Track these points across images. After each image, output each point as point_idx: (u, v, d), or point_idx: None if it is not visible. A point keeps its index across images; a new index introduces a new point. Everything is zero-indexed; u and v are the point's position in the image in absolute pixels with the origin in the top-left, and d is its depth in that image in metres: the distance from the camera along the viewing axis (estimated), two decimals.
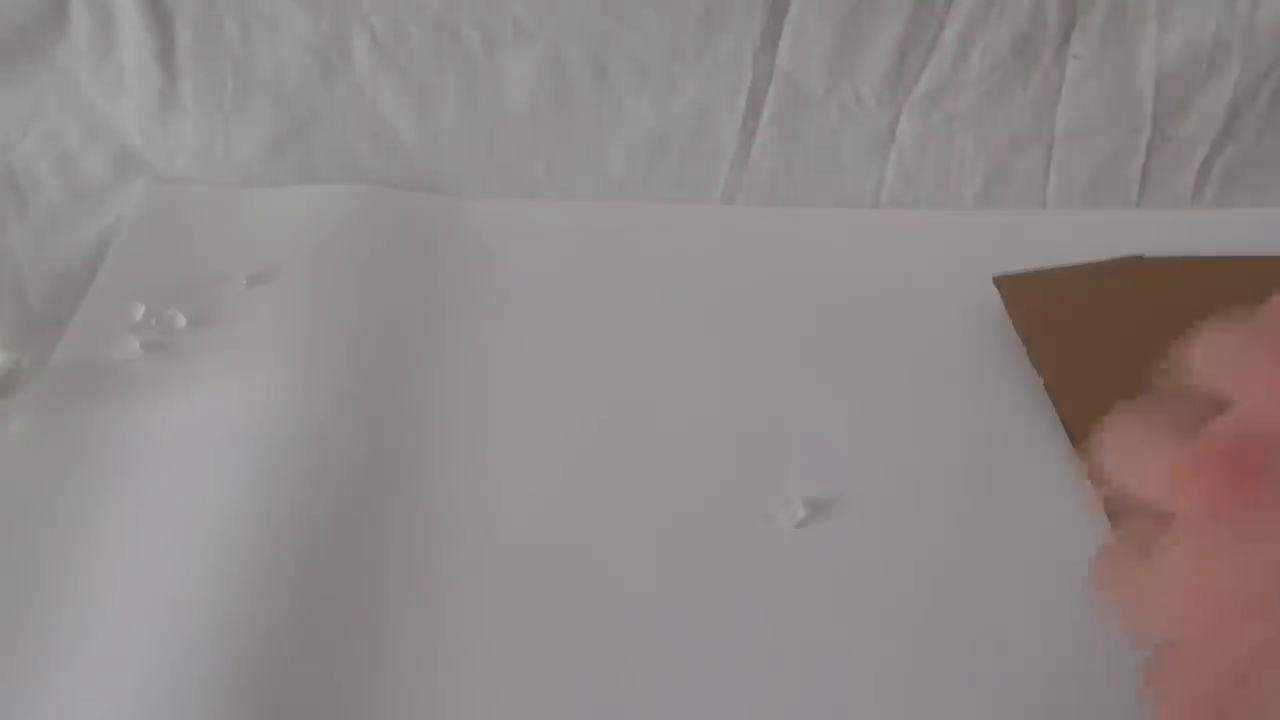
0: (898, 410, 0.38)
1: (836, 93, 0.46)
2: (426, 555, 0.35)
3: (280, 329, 0.41)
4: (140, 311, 0.41)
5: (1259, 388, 0.22)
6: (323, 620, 0.33)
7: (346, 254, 0.45)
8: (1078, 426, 0.38)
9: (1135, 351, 0.41)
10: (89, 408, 0.38)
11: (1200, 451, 0.22)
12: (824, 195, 0.48)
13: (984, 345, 0.41)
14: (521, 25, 0.45)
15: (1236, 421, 0.22)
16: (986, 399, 0.40)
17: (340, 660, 0.32)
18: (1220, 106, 0.46)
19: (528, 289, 0.44)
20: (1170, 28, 0.44)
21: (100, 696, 0.31)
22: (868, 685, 0.31)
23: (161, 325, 0.41)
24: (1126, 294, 0.43)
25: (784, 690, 0.31)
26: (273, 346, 0.41)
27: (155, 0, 0.45)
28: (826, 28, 0.45)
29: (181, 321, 0.41)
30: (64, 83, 0.46)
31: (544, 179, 0.48)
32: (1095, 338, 0.41)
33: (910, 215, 0.48)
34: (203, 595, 0.33)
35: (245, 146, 0.47)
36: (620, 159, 0.48)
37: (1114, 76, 0.45)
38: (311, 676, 0.31)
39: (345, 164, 0.48)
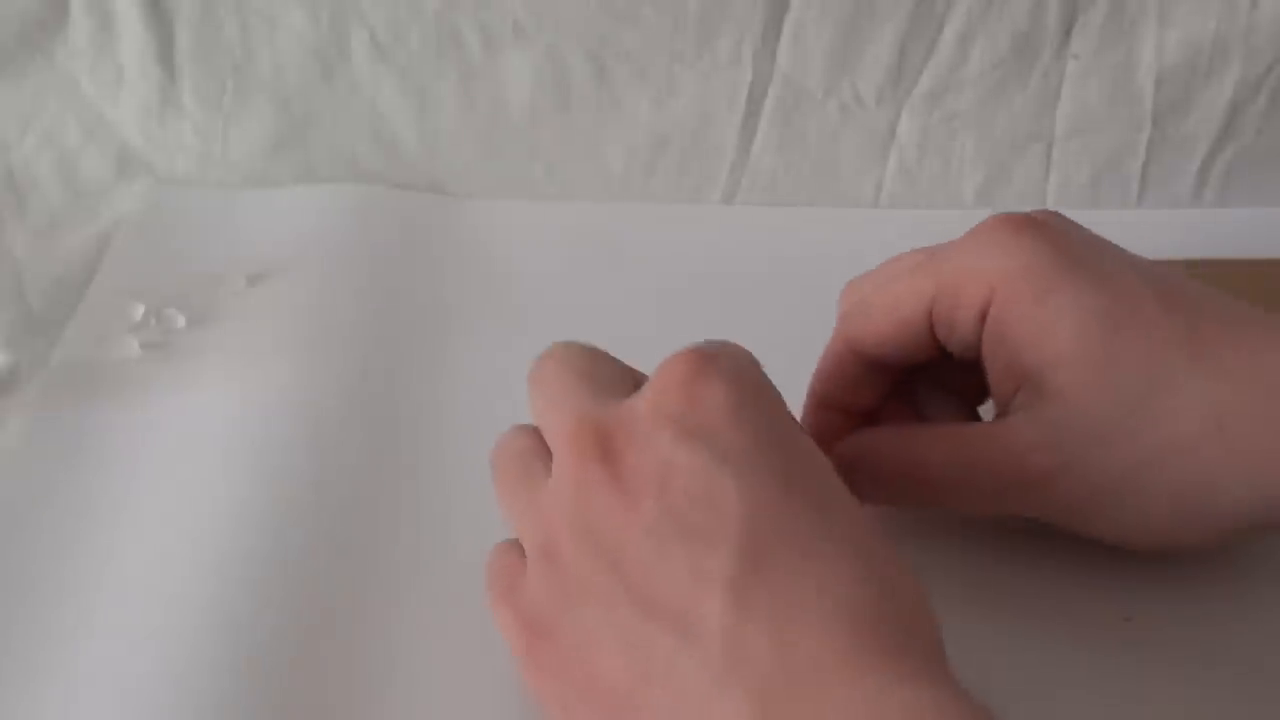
0: None
1: (836, 93, 0.46)
2: (427, 555, 0.35)
3: (280, 329, 0.41)
4: (139, 312, 0.41)
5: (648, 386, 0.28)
6: (323, 620, 0.33)
7: (346, 254, 0.45)
8: None
9: None
10: (88, 408, 0.38)
11: (581, 424, 0.27)
12: (824, 195, 0.48)
13: None
14: (521, 25, 0.45)
15: (618, 408, 0.27)
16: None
17: (340, 660, 0.32)
18: (1220, 106, 0.46)
19: (528, 289, 0.44)
20: (1170, 26, 0.44)
21: (100, 696, 0.31)
22: None
23: (161, 325, 0.41)
24: None
25: None
26: (272, 347, 0.41)
27: (155, 0, 0.45)
28: (826, 27, 0.45)
29: (181, 322, 0.41)
30: (64, 83, 0.46)
31: (544, 179, 0.48)
32: None
33: (910, 215, 0.48)
34: (202, 595, 0.33)
35: (245, 146, 0.47)
36: (620, 159, 0.48)
37: (1114, 76, 0.45)
38: (312, 676, 0.31)
39: (345, 164, 0.48)
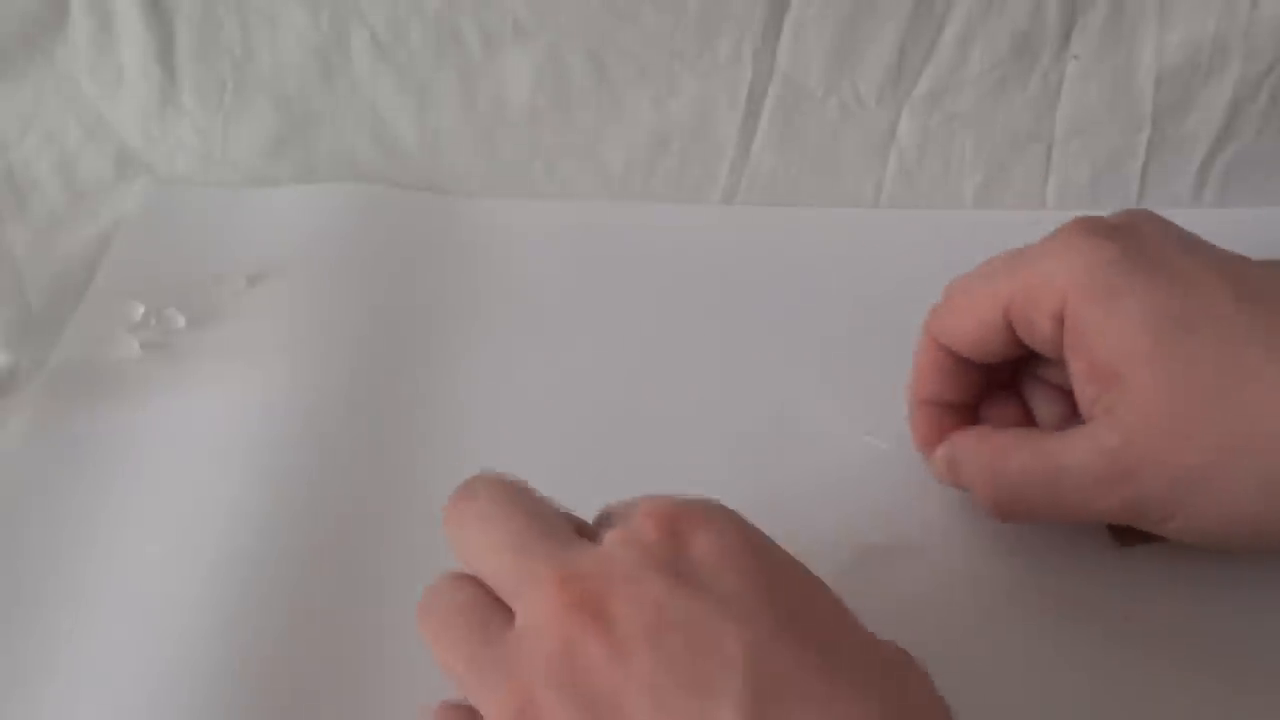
0: (898, 410, 0.38)
1: (836, 92, 0.46)
2: (427, 555, 0.35)
3: (280, 329, 0.41)
4: (139, 311, 0.41)
5: (620, 535, 0.26)
6: (322, 620, 0.33)
7: (346, 254, 0.45)
8: None
9: None
10: (88, 408, 0.38)
11: (560, 573, 0.25)
12: (824, 195, 0.48)
13: None
14: (522, 24, 0.45)
15: (595, 556, 0.26)
16: None
17: (340, 660, 0.32)
18: (1220, 106, 0.46)
19: (528, 289, 0.44)
20: (1170, 27, 0.44)
21: (100, 696, 0.31)
22: None
23: (161, 325, 0.41)
24: None
25: None
26: (272, 347, 0.41)
27: (155, 0, 0.45)
28: (826, 27, 0.45)
29: (181, 321, 0.41)
30: (64, 83, 0.46)
31: (544, 179, 0.48)
32: None
33: (910, 215, 0.48)
34: (203, 595, 0.33)
35: (245, 146, 0.47)
36: (620, 159, 0.47)
37: (1114, 76, 0.45)
38: (311, 676, 0.31)
39: (345, 164, 0.48)
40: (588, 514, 0.29)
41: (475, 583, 0.27)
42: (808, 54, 0.45)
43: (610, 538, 0.26)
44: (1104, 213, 0.37)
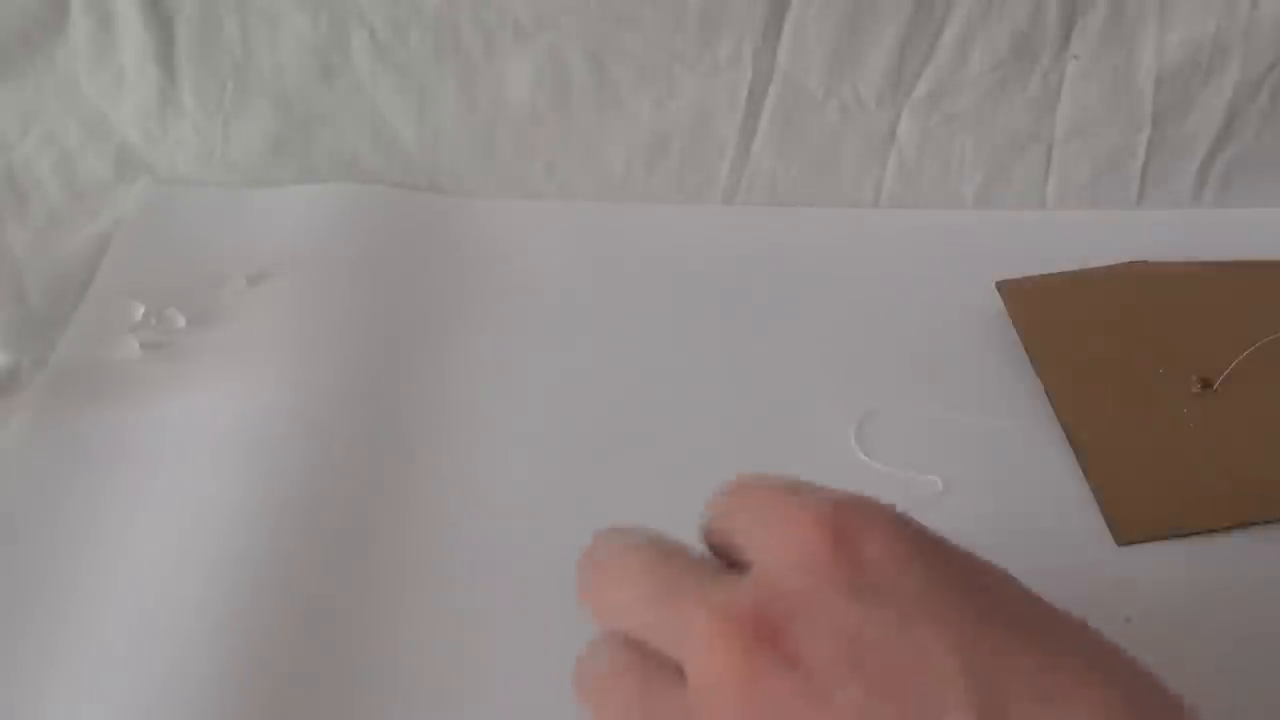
0: (897, 410, 0.38)
1: (836, 93, 0.46)
2: (426, 554, 0.35)
3: (280, 329, 0.41)
4: (139, 311, 0.41)
5: (775, 554, 0.23)
6: (322, 620, 0.33)
7: (346, 254, 0.45)
8: (1077, 428, 0.38)
9: (1134, 354, 0.41)
10: (89, 408, 0.38)
11: (723, 613, 0.22)
12: (824, 195, 0.48)
13: (984, 346, 0.41)
14: (521, 25, 0.45)
15: (756, 587, 0.23)
16: (986, 400, 0.40)
17: (340, 660, 0.32)
18: (1220, 106, 0.46)
19: (528, 289, 0.44)
20: (1170, 27, 0.44)
21: (100, 696, 0.31)
22: None
23: (161, 325, 0.41)
24: (1127, 298, 0.43)
25: None
26: (272, 346, 0.41)
27: (155, 0, 0.45)
28: (826, 27, 0.45)
29: (181, 321, 0.41)
30: (64, 83, 0.46)
31: (544, 179, 0.48)
32: (1095, 341, 0.41)
33: (910, 215, 0.48)
34: (202, 595, 0.33)
35: (245, 146, 0.47)
36: (620, 159, 0.48)
37: (1114, 76, 0.45)
38: (311, 676, 0.31)
39: (345, 164, 0.48)
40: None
41: (629, 641, 0.25)
42: (808, 55, 0.45)
43: (763, 559, 0.23)
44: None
